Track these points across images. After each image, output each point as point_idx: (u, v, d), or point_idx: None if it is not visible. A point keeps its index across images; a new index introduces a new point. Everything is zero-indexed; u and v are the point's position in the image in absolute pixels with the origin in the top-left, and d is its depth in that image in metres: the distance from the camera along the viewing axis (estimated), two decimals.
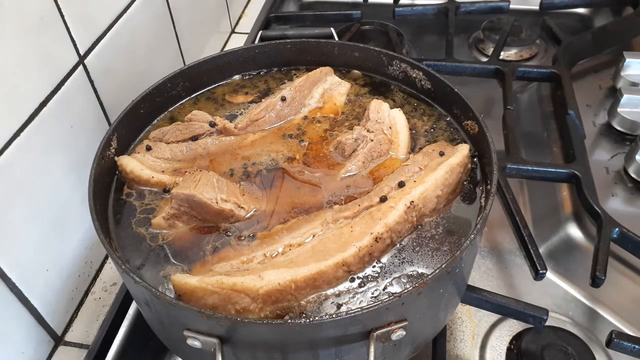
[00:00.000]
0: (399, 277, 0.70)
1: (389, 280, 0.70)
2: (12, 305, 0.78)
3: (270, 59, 1.01)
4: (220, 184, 0.77)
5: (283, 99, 0.92)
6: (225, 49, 1.45)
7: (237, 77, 1.01)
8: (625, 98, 1.19)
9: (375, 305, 0.59)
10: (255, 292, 0.64)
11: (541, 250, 0.91)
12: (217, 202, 0.74)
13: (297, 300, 0.67)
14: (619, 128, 1.21)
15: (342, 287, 0.69)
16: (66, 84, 0.84)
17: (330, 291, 0.68)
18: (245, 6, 1.60)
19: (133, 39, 1.01)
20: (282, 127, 0.91)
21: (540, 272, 0.86)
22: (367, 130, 0.86)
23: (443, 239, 0.74)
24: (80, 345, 0.88)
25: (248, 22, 1.54)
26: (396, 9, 1.45)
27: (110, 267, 0.98)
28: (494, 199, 0.72)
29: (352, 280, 0.69)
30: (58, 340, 0.88)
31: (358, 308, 0.59)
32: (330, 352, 0.64)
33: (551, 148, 1.20)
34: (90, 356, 0.83)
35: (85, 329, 0.90)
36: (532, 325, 0.85)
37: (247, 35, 1.48)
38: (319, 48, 1.00)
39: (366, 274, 0.70)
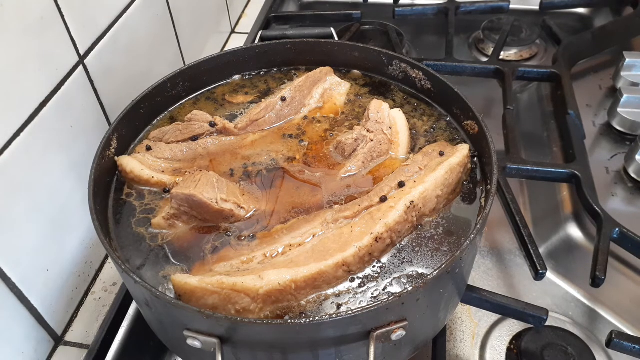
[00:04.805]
0: (399, 277, 0.70)
1: (389, 280, 0.70)
2: (12, 305, 0.78)
3: (270, 59, 1.01)
4: (220, 184, 0.77)
5: (283, 99, 0.92)
6: (225, 49, 1.45)
7: (237, 77, 1.01)
8: (625, 98, 1.19)
9: (375, 305, 0.59)
10: (255, 292, 0.64)
11: (541, 250, 0.91)
12: (217, 202, 0.74)
13: (297, 300, 0.67)
14: (619, 128, 1.21)
15: (342, 287, 0.69)
16: (66, 84, 0.84)
17: (330, 291, 0.68)
18: (245, 6, 1.60)
19: (133, 39, 1.01)
20: (282, 127, 0.91)
21: (540, 272, 0.86)
22: (367, 130, 0.86)
23: (443, 239, 0.74)
24: (80, 345, 0.88)
25: (248, 22, 1.54)
26: (396, 9, 1.45)
27: (110, 267, 0.98)
28: (494, 199, 0.72)
29: (352, 280, 0.69)
30: (58, 340, 0.88)
31: (358, 308, 0.59)
32: (330, 352, 0.64)
33: (551, 148, 1.20)
34: (90, 356, 0.83)
35: (85, 329, 0.90)
36: (532, 325, 0.85)
37: (247, 35, 1.48)
38: (319, 48, 1.00)
39: (366, 274, 0.70)
